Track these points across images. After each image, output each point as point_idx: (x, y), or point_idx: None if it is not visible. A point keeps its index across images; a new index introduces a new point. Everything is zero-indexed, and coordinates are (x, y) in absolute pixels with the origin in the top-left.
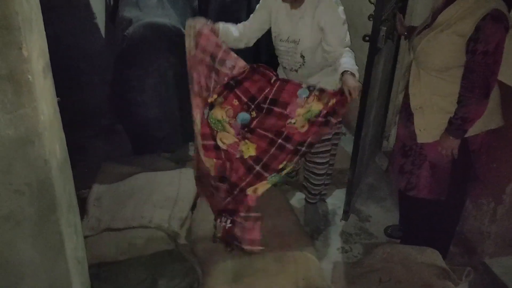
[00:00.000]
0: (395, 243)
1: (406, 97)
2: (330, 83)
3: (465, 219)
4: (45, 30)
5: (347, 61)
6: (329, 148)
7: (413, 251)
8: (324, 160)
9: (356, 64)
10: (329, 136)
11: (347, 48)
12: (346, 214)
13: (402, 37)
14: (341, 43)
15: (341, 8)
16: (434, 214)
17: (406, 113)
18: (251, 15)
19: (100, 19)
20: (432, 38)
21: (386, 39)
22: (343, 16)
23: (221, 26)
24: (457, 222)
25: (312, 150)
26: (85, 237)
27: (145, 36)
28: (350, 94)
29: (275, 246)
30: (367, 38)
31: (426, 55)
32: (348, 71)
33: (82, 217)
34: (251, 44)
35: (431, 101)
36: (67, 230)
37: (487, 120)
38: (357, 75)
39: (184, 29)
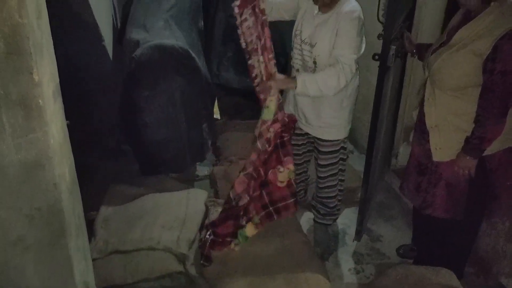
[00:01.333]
0: (408, 263)
1: (421, 115)
2: (333, 103)
3: (480, 238)
4: (55, 54)
5: (317, 74)
6: (336, 171)
7: (427, 272)
8: (333, 183)
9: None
10: (335, 160)
11: (341, 65)
12: (358, 234)
13: (409, 54)
14: (348, 48)
15: (361, 23)
16: (449, 234)
17: (421, 131)
18: None
19: (108, 41)
20: (448, 57)
21: (395, 58)
22: (359, 29)
23: None
24: (473, 242)
25: (320, 175)
26: (93, 259)
27: (153, 57)
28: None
29: (286, 267)
30: (376, 57)
31: (441, 74)
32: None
33: (90, 240)
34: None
35: (447, 120)
36: (76, 254)
37: (506, 138)
38: (299, 85)
39: (191, 50)
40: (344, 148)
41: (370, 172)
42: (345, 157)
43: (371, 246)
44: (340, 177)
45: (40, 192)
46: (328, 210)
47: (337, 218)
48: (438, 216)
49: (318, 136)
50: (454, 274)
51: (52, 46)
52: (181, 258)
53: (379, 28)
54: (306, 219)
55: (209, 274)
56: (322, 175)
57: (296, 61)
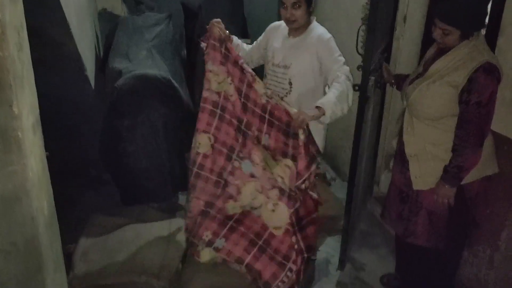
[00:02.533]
0: None
1: (400, 143)
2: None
3: (462, 266)
4: (35, 84)
5: (329, 95)
6: None
7: None
8: None
9: (345, 105)
10: None
11: (342, 78)
12: (342, 264)
13: (388, 84)
14: (339, 61)
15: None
16: (432, 262)
17: (401, 159)
18: (254, 42)
19: (90, 71)
20: (425, 88)
21: (375, 88)
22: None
23: (234, 39)
24: (456, 270)
25: None
26: None
27: (135, 87)
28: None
29: None
30: (356, 87)
31: (419, 104)
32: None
33: (68, 273)
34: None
35: (425, 149)
36: None
37: (483, 167)
38: (328, 110)
39: (173, 79)
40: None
41: (352, 200)
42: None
43: (355, 275)
44: None
45: (17, 226)
46: None
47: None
48: (420, 244)
49: None
50: None
51: (33, 78)
52: None
53: (358, 60)
54: None
55: None
56: None
57: (269, 87)
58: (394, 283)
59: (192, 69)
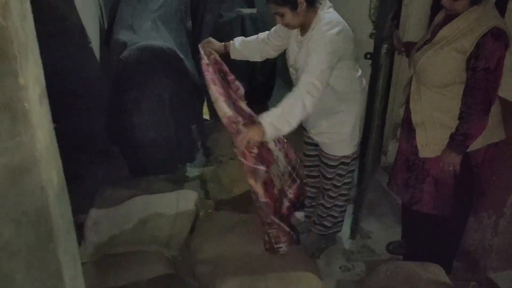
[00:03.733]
0: (398, 259)
1: (407, 111)
2: (337, 119)
3: (467, 232)
4: (41, 57)
5: (276, 109)
6: (332, 176)
7: (417, 267)
8: (333, 195)
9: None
10: (330, 175)
11: (304, 85)
12: (353, 233)
13: (396, 52)
14: (313, 66)
15: (333, 36)
16: (438, 229)
17: (408, 127)
18: (274, 28)
19: (95, 43)
20: (432, 54)
21: (387, 56)
22: (330, 47)
23: (235, 41)
24: (461, 237)
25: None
26: (83, 263)
27: (140, 59)
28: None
29: (277, 267)
30: (368, 56)
31: (426, 71)
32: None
33: (80, 243)
34: (270, 55)
35: (432, 117)
36: (65, 259)
37: (489, 134)
38: (266, 128)
39: (179, 51)
40: (344, 164)
41: (364, 170)
42: (343, 173)
43: (362, 244)
44: (341, 191)
45: (27, 196)
46: (325, 229)
47: (332, 232)
48: (427, 211)
49: (320, 146)
50: (443, 269)
51: (38, 49)
52: (172, 260)
53: (369, 28)
54: (297, 218)
55: (200, 275)
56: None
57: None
58: (400, 250)
59: (198, 41)
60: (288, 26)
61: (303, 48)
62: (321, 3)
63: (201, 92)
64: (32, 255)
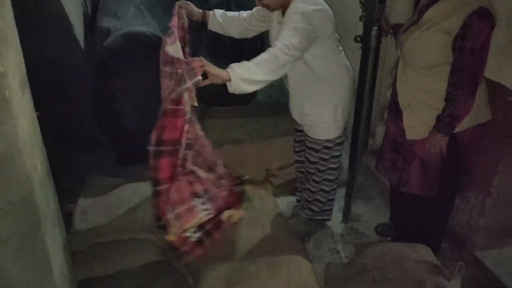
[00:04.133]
0: (386, 241)
1: (394, 94)
2: (318, 101)
3: (454, 213)
4: (22, 44)
5: (245, 63)
6: (316, 160)
7: (405, 248)
8: (317, 179)
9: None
10: (314, 159)
11: (273, 48)
12: (346, 217)
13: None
14: (286, 36)
15: (309, 11)
16: (425, 210)
17: (395, 110)
18: (256, 8)
19: (79, 31)
20: (419, 35)
21: (377, 39)
22: (305, 21)
23: (216, 12)
24: (448, 217)
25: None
26: (73, 252)
27: (124, 45)
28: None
29: (267, 251)
30: (358, 39)
31: (412, 52)
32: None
33: (68, 232)
34: (248, 35)
35: (419, 98)
36: (53, 247)
37: (475, 115)
38: (231, 71)
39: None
40: (327, 148)
41: (356, 154)
42: (326, 157)
43: (350, 226)
44: (326, 176)
45: (12, 185)
46: (312, 213)
47: (321, 219)
48: (414, 193)
49: (304, 130)
50: (430, 250)
51: (17, 37)
52: (162, 247)
53: (357, 10)
54: (286, 202)
55: (191, 261)
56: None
57: None
58: (388, 232)
59: None
60: (268, 7)
61: (282, 28)
62: None
63: None
64: (20, 244)
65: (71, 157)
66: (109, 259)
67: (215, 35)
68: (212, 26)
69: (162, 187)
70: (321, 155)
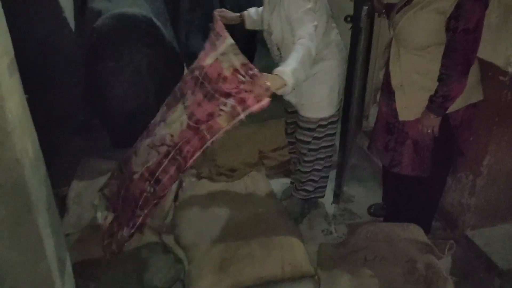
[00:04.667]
0: (378, 221)
1: (387, 74)
2: (313, 80)
3: (445, 192)
4: (12, 27)
5: (289, 61)
6: (309, 139)
7: (396, 228)
8: (310, 159)
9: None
10: (307, 139)
11: (302, 40)
12: (337, 197)
13: (376, 14)
14: (302, 30)
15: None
16: (416, 191)
17: (388, 90)
18: None
19: (69, 13)
20: (412, 16)
21: (367, 19)
22: (308, 5)
23: (250, 11)
24: (440, 197)
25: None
26: (67, 235)
27: (115, 27)
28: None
29: (260, 232)
30: (348, 18)
31: (405, 33)
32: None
33: (62, 215)
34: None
35: (411, 79)
36: (45, 230)
37: (468, 95)
38: (287, 78)
39: (156, 18)
40: (322, 126)
41: (346, 135)
42: (320, 135)
43: (343, 207)
44: (319, 155)
45: (2, 168)
46: (306, 193)
47: (314, 197)
48: (406, 173)
49: (297, 109)
50: (421, 229)
51: (4, 19)
52: (157, 229)
53: None
54: (280, 184)
55: (184, 242)
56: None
57: (270, 51)
58: (380, 212)
59: (177, 9)
60: None
61: (275, 11)
62: None
63: (181, 61)
64: (11, 227)
65: (64, 140)
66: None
67: (208, 15)
68: (249, 26)
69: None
70: (315, 134)
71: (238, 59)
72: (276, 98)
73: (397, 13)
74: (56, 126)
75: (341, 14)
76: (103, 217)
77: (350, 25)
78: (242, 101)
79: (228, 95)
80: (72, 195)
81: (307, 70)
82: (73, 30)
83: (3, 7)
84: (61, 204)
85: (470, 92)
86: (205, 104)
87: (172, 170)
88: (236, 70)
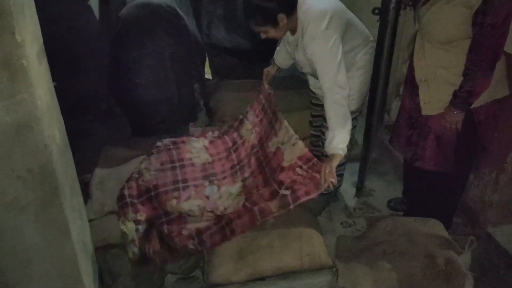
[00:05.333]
0: (398, 215)
1: (411, 68)
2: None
3: (467, 188)
4: (38, 15)
5: (335, 132)
6: None
7: (416, 222)
8: None
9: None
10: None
11: (336, 97)
12: (360, 191)
13: (402, 6)
14: (324, 74)
15: (324, 34)
16: (438, 186)
17: (411, 85)
18: None
19: (94, 1)
20: (438, 9)
21: (395, 11)
22: (328, 43)
23: (276, 59)
24: (461, 193)
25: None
26: (90, 220)
27: (139, 16)
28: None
29: (279, 223)
30: (376, 11)
31: (431, 26)
32: (335, 154)
33: (86, 201)
34: None
35: (436, 74)
36: (71, 214)
37: (493, 90)
38: (343, 152)
39: (179, 8)
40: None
41: (371, 128)
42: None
43: (363, 200)
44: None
45: (31, 153)
46: None
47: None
48: (428, 168)
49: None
50: (442, 225)
51: (34, 6)
52: None
53: None
54: None
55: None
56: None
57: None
58: (400, 207)
59: (199, 0)
60: (274, 38)
61: (299, 49)
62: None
63: (203, 51)
64: (39, 210)
65: (87, 127)
66: None
67: (229, 6)
68: (285, 67)
69: None
70: None
71: (296, 151)
72: (299, 89)
73: (423, 5)
74: (79, 113)
75: (366, 5)
76: (132, 252)
77: (375, 17)
78: (293, 192)
79: (282, 183)
80: (95, 182)
81: (350, 121)
82: (97, 18)
83: None
84: (84, 190)
85: (496, 87)
86: (261, 189)
87: (218, 237)
88: (294, 164)
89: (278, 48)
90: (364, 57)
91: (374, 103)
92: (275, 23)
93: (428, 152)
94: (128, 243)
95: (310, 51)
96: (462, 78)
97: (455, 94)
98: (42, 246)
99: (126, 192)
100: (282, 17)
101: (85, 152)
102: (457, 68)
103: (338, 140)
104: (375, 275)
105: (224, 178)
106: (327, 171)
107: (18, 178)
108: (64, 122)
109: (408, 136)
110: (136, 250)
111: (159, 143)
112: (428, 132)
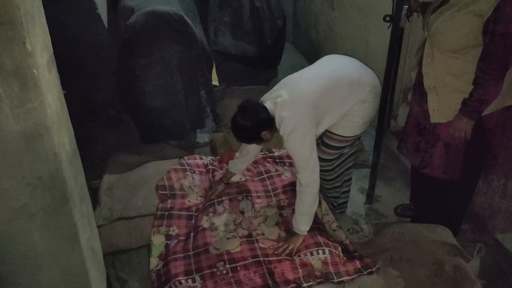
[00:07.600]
0: (405, 222)
1: (420, 75)
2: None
3: (476, 195)
4: (48, 23)
5: (303, 220)
6: (333, 157)
7: (424, 229)
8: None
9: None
10: (332, 157)
11: (309, 186)
12: (370, 198)
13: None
14: (302, 167)
15: (296, 132)
16: (446, 192)
17: (420, 91)
18: None
19: (102, 9)
20: (448, 17)
21: (406, 18)
22: (304, 146)
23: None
24: (470, 200)
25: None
26: (99, 226)
27: (147, 24)
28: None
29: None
30: (387, 18)
31: (441, 34)
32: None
33: (94, 207)
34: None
35: (445, 81)
36: (80, 221)
37: (503, 97)
38: (304, 233)
39: (186, 16)
40: (344, 148)
41: (382, 135)
42: (342, 158)
43: (370, 207)
44: (345, 177)
45: (41, 161)
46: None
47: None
48: (436, 176)
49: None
50: (450, 231)
51: (44, 16)
52: None
53: None
54: None
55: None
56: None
57: None
58: (408, 213)
59: (206, 7)
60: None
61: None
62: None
63: (210, 58)
64: (48, 217)
65: (95, 133)
66: (133, 234)
67: (235, 13)
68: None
69: None
70: (344, 150)
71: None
72: None
73: (433, 13)
74: (87, 119)
75: (378, 13)
76: (155, 265)
77: (385, 24)
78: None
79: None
80: (104, 188)
81: (317, 204)
82: (106, 26)
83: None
84: (93, 196)
85: (506, 95)
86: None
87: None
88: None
89: (235, 160)
90: (365, 105)
91: (384, 110)
92: (260, 140)
93: (436, 160)
94: (152, 256)
95: (286, 146)
96: (471, 85)
97: (465, 103)
98: (51, 252)
99: (168, 205)
100: (265, 134)
101: (94, 158)
102: (467, 76)
103: (304, 223)
104: (383, 282)
105: (258, 197)
106: (291, 247)
107: (28, 185)
108: (73, 129)
109: (416, 143)
110: (157, 263)
111: (183, 160)
112: (436, 140)
